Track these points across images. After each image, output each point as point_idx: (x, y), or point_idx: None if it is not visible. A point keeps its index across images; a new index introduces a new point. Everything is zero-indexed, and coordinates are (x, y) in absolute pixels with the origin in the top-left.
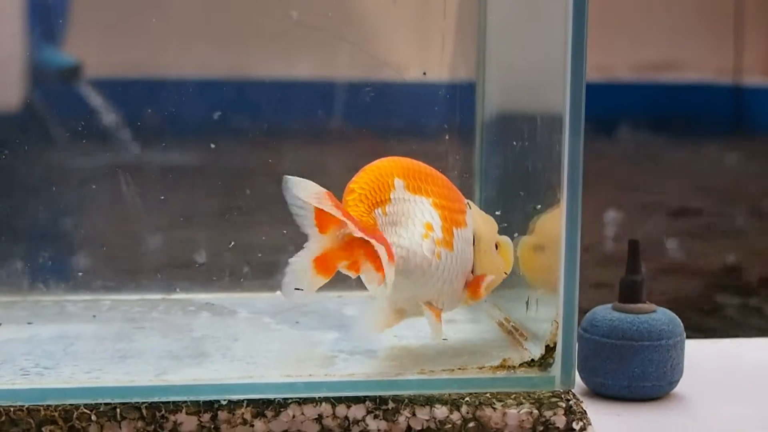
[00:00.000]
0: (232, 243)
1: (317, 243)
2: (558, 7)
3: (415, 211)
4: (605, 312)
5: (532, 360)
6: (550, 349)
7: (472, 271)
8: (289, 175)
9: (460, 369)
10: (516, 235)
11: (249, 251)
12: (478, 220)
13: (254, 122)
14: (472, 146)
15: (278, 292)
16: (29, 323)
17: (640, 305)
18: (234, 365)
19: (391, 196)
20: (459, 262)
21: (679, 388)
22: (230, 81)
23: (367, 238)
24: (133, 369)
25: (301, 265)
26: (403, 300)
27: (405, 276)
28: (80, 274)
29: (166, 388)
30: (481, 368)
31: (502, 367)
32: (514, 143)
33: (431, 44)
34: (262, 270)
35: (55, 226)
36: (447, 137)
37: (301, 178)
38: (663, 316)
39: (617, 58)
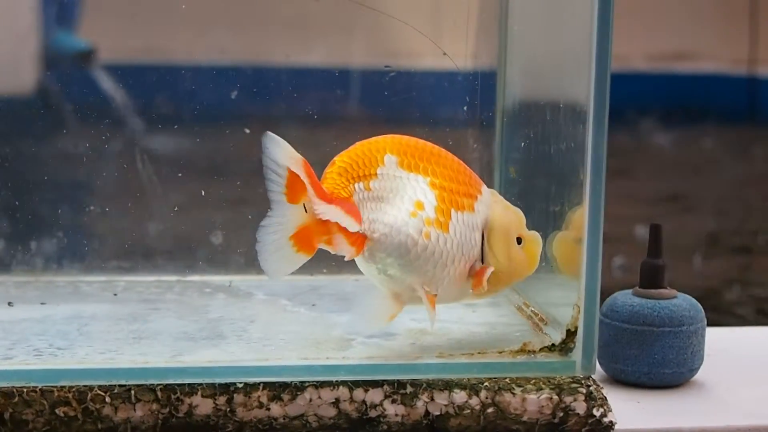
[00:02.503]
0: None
1: (289, 216)
2: None
3: (405, 188)
4: (626, 297)
5: (553, 345)
6: (571, 334)
7: (482, 261)
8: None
9: (479, 353)
10: (551, 229)
11: None
12: (496, 209)
13: (271, 107)
14: (493, 133)
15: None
16: (42, 303)
17: (661, 291)
18: (250, 347)
19: (378, 172)
20: (456, 246)
21: (700, 375)
22: (246, 66)
23: (315, 206)
24: (148, 350)
25: (278, 243)
26: (394, 283)
27: (388, 254)
28: (95, 254)
29: (182, 370)
30: (500, 352)
31: (522, 351)
32: (535, 131)
33: (453, 31)
34: None
35: (68, 207)
36: (468, 124)
37: (281, 139)
38: (684, 302)
39: (633, 47)
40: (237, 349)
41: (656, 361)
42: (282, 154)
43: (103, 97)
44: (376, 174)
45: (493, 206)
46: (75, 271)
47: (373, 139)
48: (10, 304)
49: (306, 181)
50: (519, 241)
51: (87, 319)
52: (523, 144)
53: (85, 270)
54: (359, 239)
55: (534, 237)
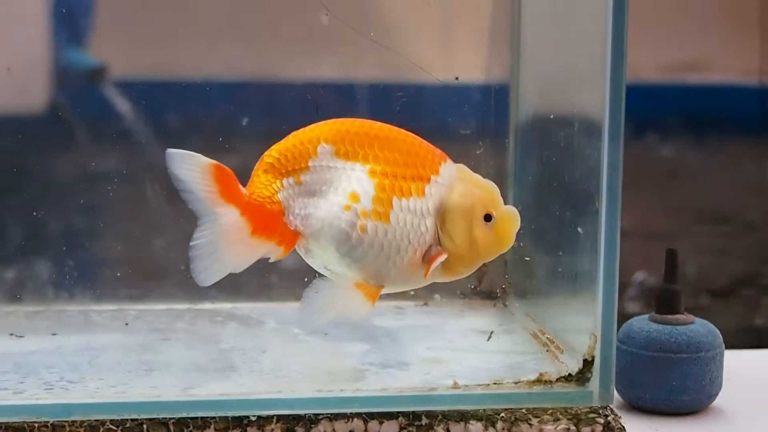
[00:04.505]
0: None
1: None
2: (596, 6)
3: (341, 179)
4: (642, 323)
5: (570, 375)
6: (588, 363)
7: (440, 245)
8: None
9: (495, 384)
10: (566, 243)
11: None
12: (457, 189)
13: (281, 124)
14: (506, 150)
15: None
16: (53, 334)
17: (677, 316)
18: (263, 379)
19: (310, 164)
20: (400, 235)
21: (718, 401)
22: (258, 82)
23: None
24: (159, 383)
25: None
26: (339, 278)
27: (323, 250)
28: (105, 282)
29: (194, 403)
30: (517, 383)
31: (538, 381)
32: (549, 147)
33: (465, 46)
34: (289, 279)
35: (79, 232)
36: (480, 140)
37: (187, 152)
38: (701, 328)
39: (643, 58)
40: (249, 380)
41: (674, 388)
42: (190, 167)
43: (115, 116)
44: (308, 167)
45: (453, 186)
46: (86, 300)
47: (309, 127)
48: (18, 336)
49: (212, 189)
50: (489, 218)
51: (98, 351)
52: (536, 160)
53: (96, 299)
54: (287, 237)
55: (506, 213)
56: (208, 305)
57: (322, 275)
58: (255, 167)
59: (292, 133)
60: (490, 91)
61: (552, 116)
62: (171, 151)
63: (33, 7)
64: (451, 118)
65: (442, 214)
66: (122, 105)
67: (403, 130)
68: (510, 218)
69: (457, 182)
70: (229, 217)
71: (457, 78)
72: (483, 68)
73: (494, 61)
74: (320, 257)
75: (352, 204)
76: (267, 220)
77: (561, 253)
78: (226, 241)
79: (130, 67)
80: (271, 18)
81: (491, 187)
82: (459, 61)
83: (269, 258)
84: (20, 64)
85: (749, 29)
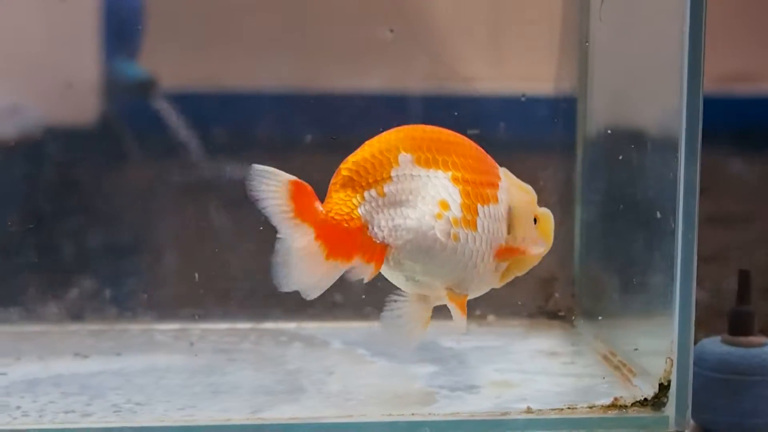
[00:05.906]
0: None
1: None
2: (670, 17)
3: (427, 187)
4: (714, 345)
5: (645, 399)
6: (663, 388)
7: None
8: None
9: (569, 408)
10: (638, 268)
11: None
12: (515, 194)
13: (334, 134)
14: (574, 164)
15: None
16: (118, 354)
17: (750, 338)
18: (331, 402)
19: (393, 174)
20: (485, 242)
21: None
22: (308, 94)
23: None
24: (227, 405)
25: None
26: (422, 288)
27: (415, 261)
28: (168, 301)
29: (264, 427)
30: (591, 407)
31: (613, 406)
32: (619, 162)
33: (532, 57)
34: (354, 298)
35: (137, 249)
36: (546, 155)
37: (266, 168)
38: None
39: None
40: (318, 403)
41: (747, 411)
42: (269, 183)
43: (170, 130)
44: (390, 177)
45: (510, 191)
46: (149, 319)
47: (383, 136)
48: (83, 356)
49: (286, 206)
50: (535, 221)
51: (163, 372)
52: (605, 174)
53: (159, 318)
54: (377, 253)
55: (547, 214)
56: (271, 325)
57: (400, 292)
58: (331, 182)
59: (367, 143)
60: (558, 104)
61: (622, 130)
62: (253, 166)
63: (83, 20)
64: (519, 130)
65: (510, 219)
66: (173, 118)
67: (461, 135)
68: (549, 219)
69: (510, 187)
70: (304, 238)
71: (523, 96)
72: (551, 81)
73: (563, 74)
74: (411, 268)
75: (443, 212)
76: (344, 241)
77: (632, 272)
78: (298, 263)
79: (180, 78)
80: (327, 30)
81: (532, 191)
82: (527, 73)
83: (363, 279)
84: (70, 75)
85: None
